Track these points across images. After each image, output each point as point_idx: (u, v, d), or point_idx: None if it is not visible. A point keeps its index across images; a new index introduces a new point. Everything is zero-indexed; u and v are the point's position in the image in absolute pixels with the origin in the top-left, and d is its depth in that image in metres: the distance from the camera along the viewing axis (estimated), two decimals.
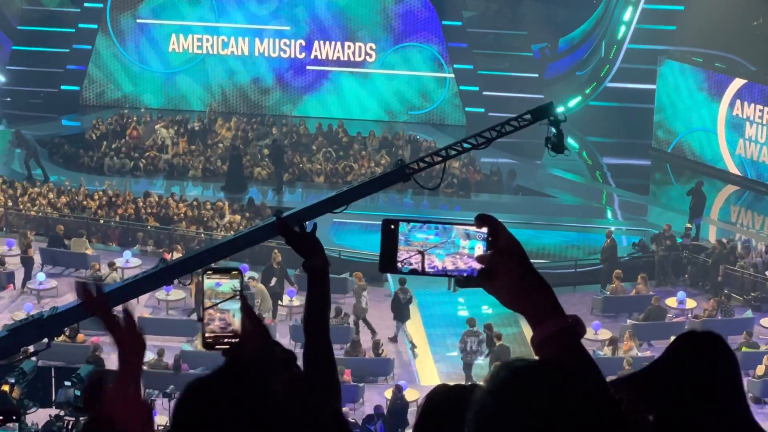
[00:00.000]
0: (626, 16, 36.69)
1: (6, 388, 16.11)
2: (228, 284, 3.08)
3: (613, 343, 23.17)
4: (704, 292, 26.81)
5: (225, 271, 3.13)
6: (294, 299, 24.96)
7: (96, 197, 29.93)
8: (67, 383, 17.42)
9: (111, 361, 20.66)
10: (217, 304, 3.06)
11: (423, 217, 3.05)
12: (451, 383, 4.02)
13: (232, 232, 24.92)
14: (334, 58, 37.17)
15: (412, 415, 19.81)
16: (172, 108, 37.18)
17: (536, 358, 2.61)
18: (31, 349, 16.83)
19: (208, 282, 3.09)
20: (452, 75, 36.94)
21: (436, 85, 37.17)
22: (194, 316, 24.63)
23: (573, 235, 30.60)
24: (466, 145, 16.85)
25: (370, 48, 37.02)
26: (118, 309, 2.85)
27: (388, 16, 36.93)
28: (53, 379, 17.56)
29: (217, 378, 2.69)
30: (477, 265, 2.78)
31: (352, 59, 37.13)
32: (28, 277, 26.45)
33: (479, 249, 2.79)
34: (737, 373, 3.47)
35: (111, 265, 25.83)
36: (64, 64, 37.68)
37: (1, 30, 38.72)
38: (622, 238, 30.03)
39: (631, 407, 3.26)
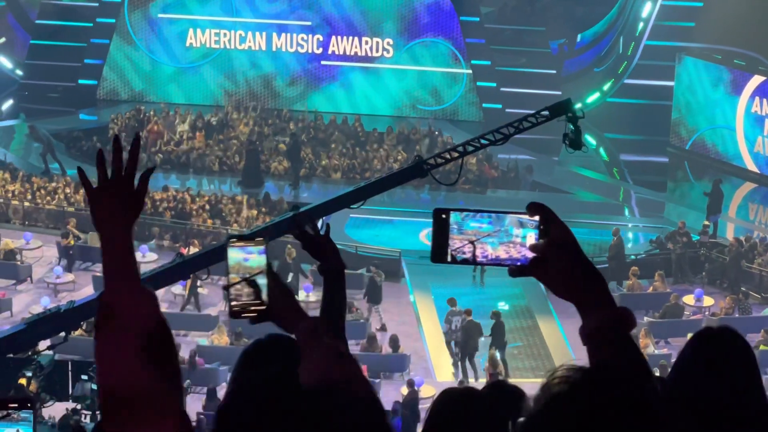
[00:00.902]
0: (645, 12, 36.56)
1: (23, 381, 16.19)
2: (255, 260, 3.03)
3: None
4: (722, 290, 26.70)
5: (249, 238, 3.06)
6: (310, 295, 24.90)
7: None
8: (84, 377, 17.49)
9: None
10: (245, 279, 3.02)
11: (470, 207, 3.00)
12: (458, 386, 4.01)
13: (248, 228, 24.92)
14: (352, 53, 37.13)
15: (422, 412, 19.77)
16: (188, 103, 37.21)
17: (582, 364, 2.56)
18: (48, 342, 16.90)
19: (234, 256, 3.03)
20: (470, 71, 36.86)
21: (453, 81, 37.08)
22: (187, 310, 25.03)
23: (589, 231, 30.47)
24: (483, 141, 16.84)
25: (387, 43, 36.97)
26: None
27: (405, 12, 36.87)
28: (70, 373, 17.61)
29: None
30: (529, 254, 2.78)
31: (369, 54, 37.08)
32: (71, 263, 26.78)
33: (531, 237, 2.79)
34: (755, 366, 3.47)
35: None
36: (81, 58, 37.76)
37: (20, 24, 38.86)
38: (639, 235, 29.88)
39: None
